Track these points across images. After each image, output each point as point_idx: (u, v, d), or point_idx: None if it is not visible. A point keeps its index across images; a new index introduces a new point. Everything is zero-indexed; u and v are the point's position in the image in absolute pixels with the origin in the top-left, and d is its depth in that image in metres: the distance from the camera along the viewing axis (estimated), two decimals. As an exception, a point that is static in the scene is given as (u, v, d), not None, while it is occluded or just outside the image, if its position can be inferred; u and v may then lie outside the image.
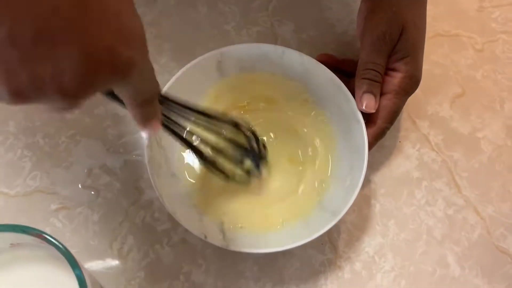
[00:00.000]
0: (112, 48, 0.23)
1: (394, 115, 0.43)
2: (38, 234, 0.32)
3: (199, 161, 0.41)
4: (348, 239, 0.44)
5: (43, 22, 0.20)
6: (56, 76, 0.22)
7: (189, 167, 0.44)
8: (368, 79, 0.42)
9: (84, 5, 0.21)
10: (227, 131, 0.40)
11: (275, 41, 0.50)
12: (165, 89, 0.41)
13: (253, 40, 0.50)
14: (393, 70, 0.43)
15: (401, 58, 0.42)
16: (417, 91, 0.44)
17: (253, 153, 0.42)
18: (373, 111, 0.41)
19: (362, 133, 0.41)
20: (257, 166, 0.43)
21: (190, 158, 0.44)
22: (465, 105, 0.49)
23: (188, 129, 0.41)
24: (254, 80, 0.45)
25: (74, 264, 0.31)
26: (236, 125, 0.40)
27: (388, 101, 0.42)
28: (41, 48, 0.21)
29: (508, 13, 0.53)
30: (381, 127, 0.42)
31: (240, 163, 0.42)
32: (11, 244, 0.34)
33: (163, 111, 0.35)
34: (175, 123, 0.37)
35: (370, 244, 0.44)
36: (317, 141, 0.45)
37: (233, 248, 0.38)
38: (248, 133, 0.41)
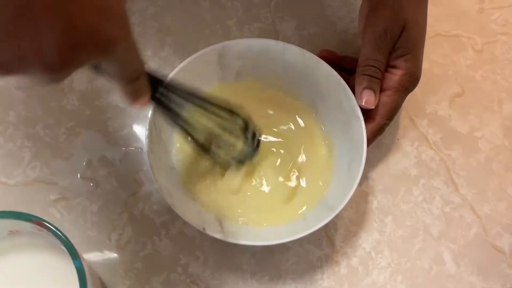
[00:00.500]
0: (93, 25, 0.24)
1: (393, 111, 0.43)
2: (38, 221, 0.32)
3: (190, 142, 0.41)
4: (345, 235, 0.44)
5: None
6: (38, 50, 0.22)
7: (188, 161, 0.44)
8: (369, 75, 0.42)
9: None
10: (224, 118, 0.40)
11: (276, 38, 0.51)
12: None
13: (254, 36, 0.50)
14: (393, 67, 0.43)
15: (402, 56, 0.42)
16: (416, 89, 0.44)
17: (247, 143, 0.42)
18: (373, 107, 0.42)
19: (361, 129, 0.41)
20: (248, 156, 0.43)
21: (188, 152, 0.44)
22: (464, 105, 0.49)
23: (183, 113, 0.39)
24: (253, 84, 0.46)
25: (73, 253, 0.32)
26: (233, 113, 0.40)
27: (387, 97, 0.43)
28: (23, 22, 0.22)
29: (508, 14, 0.53)
30: (380, 124, 0.43)
31: (232, 150, 0.42)
32: (10, 231, 0.34)
33: (162, 92, 0.35)
34: (171, 106, 0.36)
35: (367, 240, 0.44)
36: (316, 137, 0.45)
37: (231, 240, 0.38)
38: (244, 122, 0.41)
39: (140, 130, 0.46)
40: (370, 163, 0.46)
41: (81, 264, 0.32)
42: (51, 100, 0.47)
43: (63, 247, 0.33)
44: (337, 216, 0.39)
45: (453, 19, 0.53)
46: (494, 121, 0.49)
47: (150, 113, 0.40)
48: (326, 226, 0.44)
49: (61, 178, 0.44)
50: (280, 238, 0.39)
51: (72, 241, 0.32)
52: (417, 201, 0.46)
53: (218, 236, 0.38)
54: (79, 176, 0.45)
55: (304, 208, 0.42)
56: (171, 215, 0.44)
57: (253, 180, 0.44)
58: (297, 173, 0.44)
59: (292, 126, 0.46)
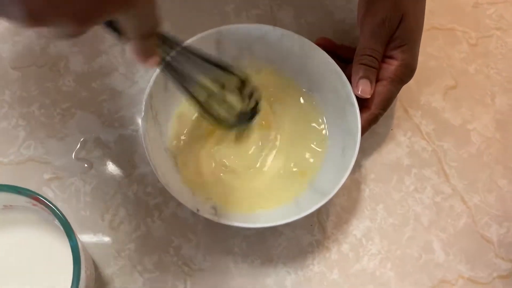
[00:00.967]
0: None
1: (388, 102, 0.44)
2: (35, 196, 0.32)
3: (194, 105, 0.40)
4: (336, 221, 0.45)
5: None
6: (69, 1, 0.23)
7: (183, 144, 0.44)
8: (365, 64, 0.42)
9: None
10: (230, 82, 0.41)
11: (274, 25, 0.51)
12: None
13: (252, 22, 0.50)
14: (390, 57, 0.43)
15: (399, 46, 0.43)
16: (411, 81, 0.44)
17: (249, 105, 0.43)
18: (368, 96, 0.42)
19: (356, 116, 0.41)
20: (249, 118, 0.43)
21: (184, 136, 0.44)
22: (457, 97, 0.50)
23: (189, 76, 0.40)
24: (249, 70, 0.46)
25: (68, 230, 0.32)
26: (235, 75, 0.40)
27: (383, 87, 0.43)
28: None
29: (502, 10, 0.54)
30: (374, 113, 0.43)
31: (234, 112, 0.43)
32: (4, 206, 0.35)
33: (167, 53, 0.36)
34: (177, 68, 0.37)
35: (358, 227, 0.45)
36: (311, 122, 0.46)
37: (224, 221, 0.38)
38: (250, 87, 0.42)
39: (136, 113, 0.46)
40: (364, 152, 0.47)
41: (76, 242, 0.32)
42: (47, 80, 0.47)
43: (57, 224, 0.33)
44: (329, 203, 0.40)
45: (449, 13, 0.53)
46: (486, 114, 0.49)
47: (146, 95, 0.41)
48: (318, 212, 0.44)
49: (55, 157, 0.44)
50: (272, 221, 0.39)
51: (66, 219, 0.32)
52: (409, 191, 0.46)
53: (210, 217, 0.38)
54: (73, 156, 0.45)
55: (296, 191, 0.43)
56: (164, 197, 0.44)
57: (246, 162, 0.44)
58: (289, 158, 0.44)
59: (287, 111, 0.46)
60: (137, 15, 0.28)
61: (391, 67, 0.43)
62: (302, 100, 0.46)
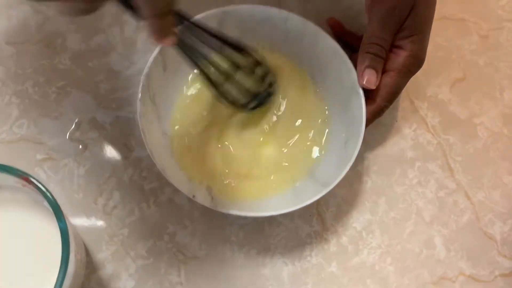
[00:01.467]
0: None
1: (394, 94, 0.42)
2: (25, 177, 0.30)
3: (207, 85, 0.40)
4: (336, 213, 0.43)
5: None
6: None
7: (181, 128, 0.43)
8: (372, 53, 0.41)
9: None
10: (245, 61, 0.40)
11: (279, 8, 0.49)
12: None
13: (257, 3, 0.49)
14: (398, 47, 0.42)
15: (408, 36, 0.41)
16: (418, 72, 0.43)
17: (262, 86, 0.42)
18: (374, 87, 0.41)
19: (361, 105, 0.40)
20: (263, 99, 0.43)
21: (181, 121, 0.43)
22: (465, 90, 0.48)
23: (204, 55, 0.39)
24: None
25: (58, 213, 0.30)
26: (253, 57, 0.40)
27: (390, 79, 0.41)
28: None
29: (515, 1, 0.52)
30: (380, 105, 0.42)
31: (246, 92, 0.42)
32: (-8, 185, 0.33)
33: (185, 34, 0.35)
34: (192, 46, 0.36)
35: (358, 219, 0.43)
36: (314, 110, 0.44)
37: (220, 209, 0.37)
38: (265, 68, 0.41)
39: (133, 95, 0.45)
40: (367, 143, 0.45)
41: (65, 224, 0.30)
42: (42, 57, 0.45)
43: (47, 206, 0.32)
44: (329, 194, 0.39)
45: (460, 3, 0.52)
46: (494, 108, 0.48)
47: (143, 75, 0.39)
48: (317, 203, 0.43)
49: (49, 137, 0.43)
50: (269, 210, 0.38)
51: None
52: (412, 184, 0.45)
53: (207, 204, 0.37)
54: (67, 137, 0.43)
55: (295, 180, 0.42)
56: (160, 182, 0.42)
57: (246, 150, 0.43)
58: (290, 144, 0.43)
59: (289, 97, 0.44)
60: None
61: (399, 58, 0.41)
62: (305, 87, 0.45)
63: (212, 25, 0.42)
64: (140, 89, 0.39)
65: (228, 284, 0.41)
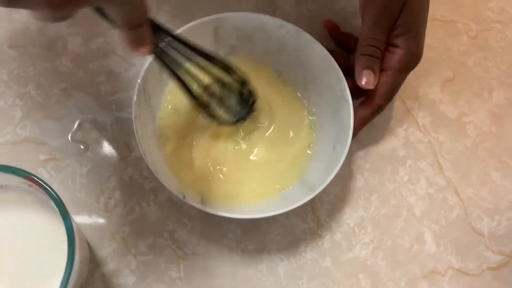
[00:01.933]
0: None
1: (392, 92, 0.43)
2: (30, 177, 0.32)
3: (186, 96, 0.40)
4: (330, 210, 0.45)
5: None
6: None
7: (173, 133, 0.44)
8: (368, 55, 0.42)
9: None
10: (223, 75, 0.41)
11: (274, 12, 0.50)
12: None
13: (252, 9, 0.50)
14: (394, 46, 0.43)
15: (402, 34, 0.42)
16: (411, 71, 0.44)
17: (243, 102, 0.43)
18: (372, 87, 0.42)
19: (349, 113, 0.41)
20: (245, 114, 0.43)
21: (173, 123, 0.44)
22: (455, 90, 0.50)
23: (182, 66, 0.39)
24: (246, 60, 0.46)
25: (63, 212, 0.32)
26: (232, 71, 0.40)
27: (387, 78, 0.43)
28: None
29: (504, 3, 0.53)
30: (378, 104, 0.43)
31: (227, 107, 0.43)
32: (-1, 185, 0.35)
33: (161, 43, 0.35)
34: (171, 57, 0.37)
35: (351, 216, 0.45)
36: (303, 116, 0.46)
37: (210, 210, 0.38)
38: (243, 82, 0.42)
39: (133, 96, 0.46)
40: (360, 142, 0.47)
41: (70, 223, 0.32)
42: (44, 60, 0.47)
43: (51, 206, 0.34)
44: (323, 192, 0.40)
45: (451, 4, 0.53)
46: (483, 108, 0.50)
47: (140, 78, 0.40)
48: (312, 201, 0.45)
49: (51, 138, 0.44)
50: (258, 212, 0.39)
51: (61, 200, 0.32)
52: (403, 181, 0.46)
53: (197, 205, 0.38)
54: (69, 138, 0.45)
55: (284, 184, 0.43)
56: (159, 182, 0.43)
57: (235, 154, 0.44)
58: (279, 149, 0.45)
59: (280, 103, 0.46)
60: (120, 6, 0.27)
61: (395, 56, 0.42)
62: (296, 93, 0.46)
63: (208, 31, 0.44)
64: (136, 92, 0.40)
65: (226, 279, 0.42)
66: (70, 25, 0.48)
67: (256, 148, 0.45)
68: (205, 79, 0.41)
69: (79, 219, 0.43)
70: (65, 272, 0.30)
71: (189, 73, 0.39)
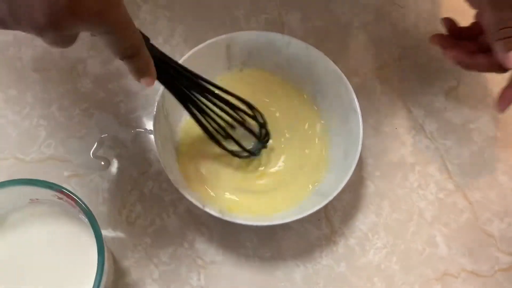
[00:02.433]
0: None
1: None
2: (60, 190, 0.34)
3: (201, 128, 0.42)
4: (343, 216, 0.46)
5: None
6: (27, 11, 0.25)
7: (191, 150, 0.46)
8: (503, 38, 0.41)
9: None
10: (236, 110, 0.43)
11: (282, 30, 0.53)
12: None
13: (261, 27, 0.53)
14: None
15: None
16: (414, 81, 0.46)
17: (257, 136, 0.45)
18: None
19: (358, 122, 0.43)
20: (258, 148, 0.46)
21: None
22: (459, 97, 0.52)
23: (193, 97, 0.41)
24: (257, 75, 0.48)
25: (93, 221, 0.34)
26: (249, 106, 0.43)
27: None
28: None
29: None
30: None
31: (241, 141, 0.45)
32: (30, 199, 0.37)
33: (173, 75, 0.37)
34: (183, 89, 0.39)
35: (364, 222, 0.46)
36: (314, 127, 0.48)
37: (228, 218, 0.40)
38: (258, 116, 0.44)
39: (151, 113, 0.48)
40: (369, 150, 0.49)
41: (99, 232, 0.34)
42: (66, 82, 0.49)
43: (79, 217, 0.36)
44: (336, 199, 0.42)
45: (456, 15, 0.55)
46: (488, 114, 0.51)
47: (158, 95, 0.43)
48: (325, 208, 0.46)
49: (75, 156, 0.47)
50: (275, 220, 0.41)
51: (85, 215, 0.34)
52: (413, 187, 0.48)
53: (216, 214, 0.40)
54: (91, 154, 0.47)
55: (301, 196, 0.45)
56: (178, 194, 0.45)
57: (251, 169, 0.46)
58: (293, 161, 0.47)
59: (292, 116, 0.48)
60: (108, 33, 0.28)
61: None
62: (306, 105, 0.48)
63: (220, 49, 0.46)
64: (155, 108, 0.43)
65: (245, 286, 0.44)
66: (90, 49, 0.51)
67: (272, 162, 0.47)
68: (221, 114, 0.43)
69: (103, 231, 0.43)
70: (95, 281, 0.32)
71: (199, 103, 0.40)
